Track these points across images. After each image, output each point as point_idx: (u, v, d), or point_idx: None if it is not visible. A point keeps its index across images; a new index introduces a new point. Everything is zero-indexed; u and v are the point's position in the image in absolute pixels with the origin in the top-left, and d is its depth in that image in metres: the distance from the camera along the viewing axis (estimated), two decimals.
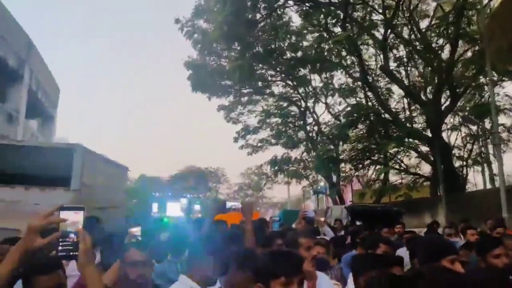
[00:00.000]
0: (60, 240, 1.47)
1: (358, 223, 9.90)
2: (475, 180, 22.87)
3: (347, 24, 17.81)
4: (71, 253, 1.47)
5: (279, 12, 19.78)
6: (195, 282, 2.25)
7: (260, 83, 23.94)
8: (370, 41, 18.22)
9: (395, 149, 16.86)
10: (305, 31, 21.93)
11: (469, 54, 16.00)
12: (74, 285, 2.62)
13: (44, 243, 1.45)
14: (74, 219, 1.49)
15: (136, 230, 3.08)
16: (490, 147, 18.90)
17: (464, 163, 17.07)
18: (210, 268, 2.32)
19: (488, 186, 19.89)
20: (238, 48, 20.31)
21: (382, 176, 17.24)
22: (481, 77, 15.41)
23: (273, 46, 20.99)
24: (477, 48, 14.65)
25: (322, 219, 7.74)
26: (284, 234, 3.84)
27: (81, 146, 5.95)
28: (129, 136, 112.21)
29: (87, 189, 5.99)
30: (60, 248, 1.47)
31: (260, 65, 22.08)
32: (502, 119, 16.23)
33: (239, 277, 2.42)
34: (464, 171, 17.15)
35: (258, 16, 19.24)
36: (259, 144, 26.70)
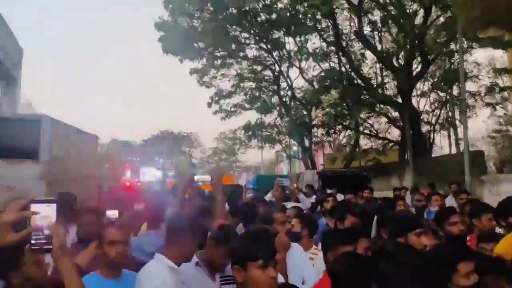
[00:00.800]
0: (33, 233, 1.43)
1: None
2: (441, 144, 23.70)
3: None
4: (45, 247, 1.45)
5: None
6: (172, 259, 2.24)
7: (233, 46, 23.39)
8: (345, 5, 17.99)
9: (366, 115, 17.16)
10: None
11: (441, 20, 16.11)
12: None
13: (16, 238, 1.41)
14: (46, 212, 1.46)
15: (112, 214, 3.03)
16: (457, 112, 19.54)
17: (432, 128, 17.59)
18: (187, 244, 2.31)
19: (454, 150, 20.71)
20: (211, 9, 19.65)
21: (352, 141, 17.61)
22: (451, 44, 15.64)
23: (247, 8, 20.41)
24: (449, 14, 14.74)
25: (295, 185, 7.84)
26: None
27: (48, 117, 5.73)
28: (100, 100, 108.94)
29: (56, 161, 5.81)
30: (33, 242, 1.44)
31: (234, 27, 21.54)
32: (469, 85, 16.67)
33: (216, 253, 2.48)
34: (432, 136, 17.71)
35: None
36: (233, 109, 26.52)
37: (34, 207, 1.44)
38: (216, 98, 26.32)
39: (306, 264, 3.02)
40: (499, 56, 18.05)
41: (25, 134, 5.42)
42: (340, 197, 8.30)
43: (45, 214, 1.45)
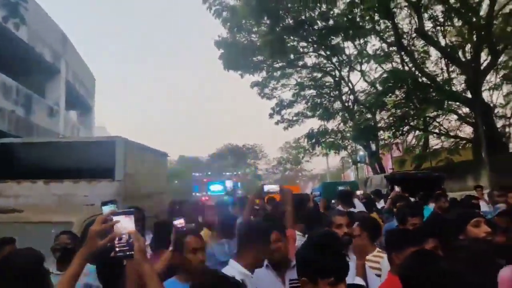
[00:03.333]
0: (116, 241, 1.68)
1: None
2: None
3: None
4: (127, 253, 1.67)
5: None
6: (245, 265, 2.38)
7: (292, 56, 23.74)
8: (403, 3, 17.53)
9: (434, 113, 16.42)
10: None
11: (508, 8, 15.10)
12: None
13: (103, 244, 1.69)
14: (125, 222, 1.71)
15: (179, 223, 3.25)
16: None
17: (508, 122, 16.38)
18: (258, 250, 2.45)
19: None
20: (268, 22, 20.18)
21: (422, 142, 16.88)
22: None
23: (303, 17, 20.67)
24: None
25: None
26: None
27: (122, 138, 6.29)
28: (166, 120, 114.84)
29: (130, 179, 6.16)
30: (117, 249, 1.68)
31: (291, 37, 21.87)
32: None
33: (279, 254, 2.67)
34: (507, 130, 16.47)
35: None
36: (295, 118, 26.78)
37: (115, 218, 1.71)
38: (278, 109, 26.76)
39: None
40: None
41: (102, 155, 5.92)
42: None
43: (125, 224, 1.70)
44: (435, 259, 1.73)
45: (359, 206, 6.80)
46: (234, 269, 2.36)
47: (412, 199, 8.38)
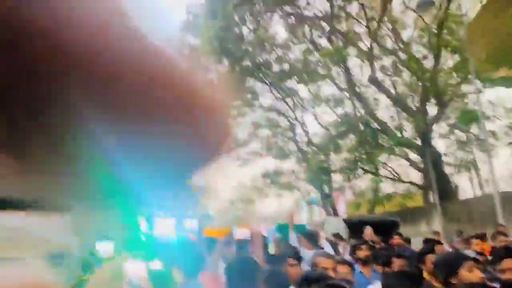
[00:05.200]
0: None
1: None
2: (463, 186, 23.22)
3: (333, 36, 18.12)
4: None
5: (265, 26, 20.05)
6: None
7: (249, 96, 24.02)
8: (355, 53, 18.52)
9: (386, 158, 17.05)
10: (290, 43, 22.18)
11: (451, 63, 16.40)
12: None
13: None
14: (137, 268, 1.53)
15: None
16: (477, 152, 19.28)
17: (456, 170, 17.33)
18: None
19: (477, 192, 20.22)
20: (227, 62, 20.44)
21: (375, 186, 17.34)
22: (463, 85, 15.82)
23: (261, 60, 21.18)
24: (459, 57, 15.02)
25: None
26: None
27: None
28: None
29: None
30: None
31: (248, 77, 22.22)
32: (487, 125, 16.57)
33: None
34: (455, 178, 17.42)
35: (245, 30, 19.51)
36: (250, 157, 26.68)
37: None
38: (233, 147, 26.49)
39: None
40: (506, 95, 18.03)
41: None
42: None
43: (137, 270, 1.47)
44: None
45: (327, 247, 6.55)
46: None
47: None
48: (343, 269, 3.43)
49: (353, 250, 5.96)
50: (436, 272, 2.89)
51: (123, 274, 1.45)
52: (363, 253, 5.16)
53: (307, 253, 6.00)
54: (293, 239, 7.45)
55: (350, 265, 3.77)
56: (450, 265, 2.67)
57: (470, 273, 2.54)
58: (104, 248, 2.99)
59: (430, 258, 3.83)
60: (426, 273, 3.95)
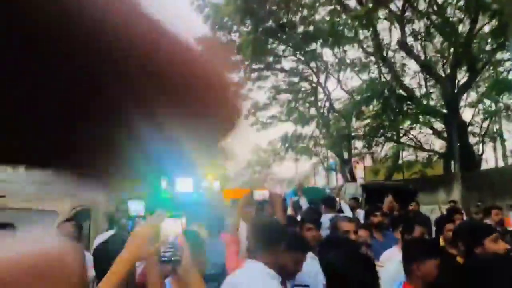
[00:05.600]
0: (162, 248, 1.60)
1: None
2: (486, 156, 22.70)
3: None
4: (174, 258, 1.60)
5: None
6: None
7: (271, 59, 23.60)
8: (385, 15, 17.74)
9: (410, 126, 16.69)
10: (317, 4, 21.38)
11: (487, 28, 15.58)
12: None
13: (152, 250, 1.54)
14: (172, 225, 1.63)
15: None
16: (504, 123, 18.67)
17: (480, 140, 16.87)
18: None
19: (500, 163, 19.74)
20: (250, 22, 19.95)
21: (394, 154, 17.09)
22: (499, 52, 15.05)
23: (285, 20, 20.58)
24: (496, 22, 14.21)
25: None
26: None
27: None
28: None
29: None
30: (161, 254, 1.58)
31: (271, 39, 21.71)
32: None
33: (288, 260, 2.46)
34: (481, 148, 16.96)
35: None
36: (269, 121, 26.62)
37: (163, 223, 1.60)
38: (253, 111, 26.50)
39: None
40: None
41: None
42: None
43: (172, 228, 1.60)
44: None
45: (346, 211, 6.55)
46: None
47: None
48: (363, 233, 3.53)
49: (367, 215, 5.98)
50: (457, 241, 2.85)
51: (159, 233, 1.51)
52: (377, 219, 5.12)
53: (325, 217, 6.01)
54: (304, 203, 7.51)
55: (370, 229, 3.93)
56: (474, 235, 2.67)
57: (495, 244, 2.54)
58: (135, 207, 3.13)
59: (449, 227, 3.78)
60: (443, 241, 3.94)
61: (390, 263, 3.03)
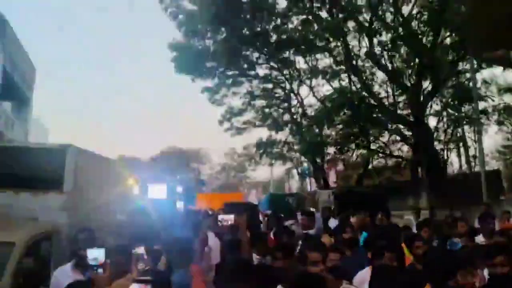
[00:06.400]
0: None
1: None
2: (451, 161, 23.68)
3: (334, 9, 17.87)
4: None
5: None
6: None
7: (245, 65, 23.89)
8: (354, 26, 18.34)
9: (379, 133, 17.30)
10: (290, 13, 21.83)
11: (449, 40, 16.40)
12: None
13: None
14: None
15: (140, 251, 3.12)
16: (466, 129, 19.61)
17: (445, 146, 17.66)
18: None
19: (464, 167, 20.70)
20: (225, 30, 20.15)
21: (366, 160, 17.69)
22: (460, 63, 15.90)
23: (259, 29, 20.92)
24: (457, 36, 15.00)
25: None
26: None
27: (74, 147, 5.74)
28: (107, 117, 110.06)
29: (80, 191, 5.74)
30: None
31: (245, 47, 21.99)
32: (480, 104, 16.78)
33: None
34: (446, 154, 17.77)
35: None
36: (244, 126, 26.91)
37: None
38: (228, 116, 26.74)
39: None
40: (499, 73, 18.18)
41: (49, 164, 5.37)
42: (353, 219, 8.43)
43: None
44: None
45: (318, 222, 6.88)
46: None
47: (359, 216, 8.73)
48: (333, 257, 3.56)
49: (340, 229, 6.14)
50: (429, 269, 3.07)
51: None
52: (348, 236, 5.24)
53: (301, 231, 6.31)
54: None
55: (341, 251, 3.94)
56: (446, 269, 2.84)
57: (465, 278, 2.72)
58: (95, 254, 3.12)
59: (417, 244, 4.08)
60: (411, 255, 4.14)
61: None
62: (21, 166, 5.54)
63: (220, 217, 4.00)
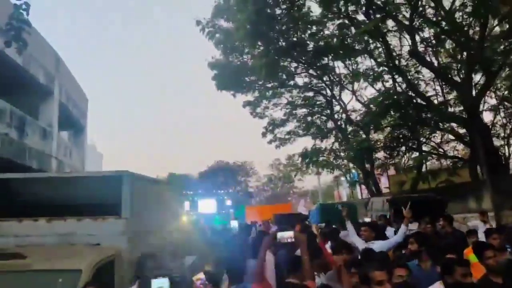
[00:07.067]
0: None
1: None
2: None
3: (370, 10, 17.44)
4: None
5: (298, 3, 19.60)
6: None
7: (284, 76, 23.90)
8: (394, 25, 17.78)
9: (431, 134, 16.50)
10: (325, 20, 21.58)
11: (498, 30, 15.44)
12: None
13: None
14: None
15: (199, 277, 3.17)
16: None
17: (505, 142, 16.52)
18: None
19: None
20: (261, 44, 20.29)
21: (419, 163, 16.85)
22: None
23: (295, 39, 20.86)
24: (507, 24, 14.09)
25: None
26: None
27: (129, 173, 5.91)
28: (157, 137, 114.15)
29: (137, 216, 5.88)
30: None
31: (283, 58, 22.00)
32: None
33: None
34: (506, 150, 16.61)
35: (278, 11, 19.20)
36: (287, 137, 26.81)
37: None
38: (270, 128, 26.78)
39: None
40: None
41: (107, 191, 5.46)
42: (414, 225, 8.00)
43: None
44: None
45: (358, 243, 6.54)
46: None
47: (417, 223, 8.28)
48: (402, 272, 3.39)
49: (404, 243, 5.70)
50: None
51: None
52: (413, 247, 4.83)
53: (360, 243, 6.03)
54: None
55: (407, 267, 3.67)
56: None
57: None
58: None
59: (488, 254, 3.76)
60: (484, 266, 3.79)
61: None
62: (81, 194, 5.82)
63: (279, 235, 3.89)
